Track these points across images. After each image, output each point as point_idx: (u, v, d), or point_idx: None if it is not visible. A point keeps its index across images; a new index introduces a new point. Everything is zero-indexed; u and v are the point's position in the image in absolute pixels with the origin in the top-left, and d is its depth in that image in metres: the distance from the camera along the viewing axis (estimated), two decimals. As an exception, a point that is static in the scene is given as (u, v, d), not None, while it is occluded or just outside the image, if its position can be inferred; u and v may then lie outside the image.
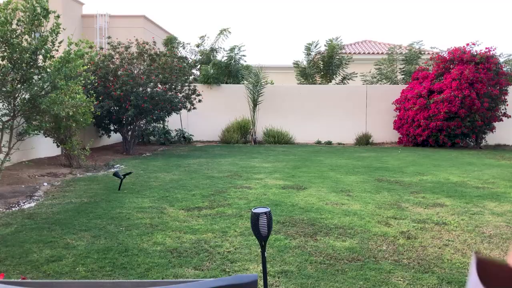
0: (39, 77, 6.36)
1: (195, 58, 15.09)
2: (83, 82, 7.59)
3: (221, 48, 15.29)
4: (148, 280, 0.89)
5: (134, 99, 9.71)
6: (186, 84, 11.43)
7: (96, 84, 9.33)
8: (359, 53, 20.18)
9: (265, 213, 2.08)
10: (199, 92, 12.08)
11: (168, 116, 11.32)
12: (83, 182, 6.47)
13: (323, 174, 7.23)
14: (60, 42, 6.55)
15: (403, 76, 15.16)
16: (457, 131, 11.69)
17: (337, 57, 14.79)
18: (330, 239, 3.74)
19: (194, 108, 11.85)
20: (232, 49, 14.75)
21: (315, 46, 14.88)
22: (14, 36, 6.03)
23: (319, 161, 8.87)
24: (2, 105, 6.44)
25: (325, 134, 13.45)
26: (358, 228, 4.07)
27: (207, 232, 3.93)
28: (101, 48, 10.93)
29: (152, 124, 11.63)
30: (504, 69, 12.83)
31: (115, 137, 12.15)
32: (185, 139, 13.21)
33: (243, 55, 14.92)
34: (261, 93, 13.25)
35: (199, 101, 12.04)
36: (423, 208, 4.90)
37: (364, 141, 13.03)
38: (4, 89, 6.07)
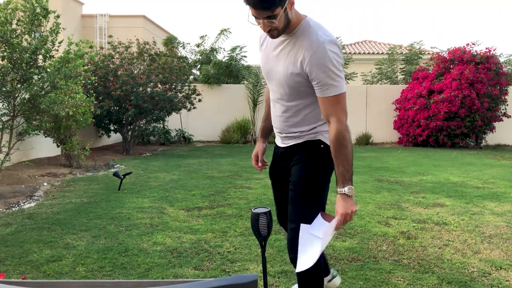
0: (39, 77, 6.36)
1: (195, 58, 15.09)
2: (83, 82, 7.59)
3: (221, 48, 15.30)
4: (148, 280, 0.89)
5: (134, 99, 9.71)
6: (186, 84, 11.44)
7: (96, 84, 9.33)
8: (359, 53, 20.20)
9: (265, 213, 2.08)
10: (199, 92, 12.09)
11: (168, 116, 11.32)
12: (83, 182, 6.47)
13: (323, 174, 7.22)
14: (60, 42, 6.55)
15: (403, 76, 15.16)
16: (457, 131, 11.69)
17: (337, 57, 14.79)
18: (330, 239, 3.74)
19: (194, 108, 11.85)
20: (233, 49, 14.75)
21: (315, 46, 14.89)
22: (14, 36, 6.03)
23: (319, 161, 8.86)
24: (2, 105, 6.44)
25: (325, 134, 13.43)
26: (358, 228, 4.07)
27: (207, 232, 3.92)
28: (101, 48, 10.94)
29: (152, 124, 11.63)
30: (504, 69, 12.84)
31: (115, 137, 12.15)
32: (185, 139, 13.21)
33: (244, 56, 14.92)
34: (261, 93, 13.25)
35: (199, 101, 12.05)
36: (423, 208, 4.90)
37: (364, 141, 13.03)
38: (4, 89, 6.07)
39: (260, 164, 2.38)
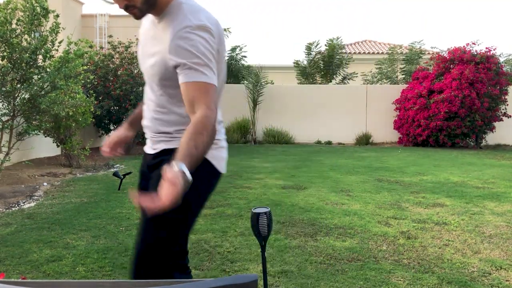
0: (39, 77, 6.36)
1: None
2: (83, 82, 7.59)
3: (221, 48, 15.28)
4: (148, 280, 0.89)
5: (134, 99, 9.71)
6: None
7: (96, 83, 9.33)
8: (359, 53, 20.20)
9: (265, 213, 2.08)
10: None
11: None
12: (83, 182, 6.47)
13: (323, 174, 7.23)
14: (60, 42, 6.55)
15: (403, 76, 15.16)
16: (457, 131, 11.69)
17: (338, 57, 14.79)
18: (330, 239, 3.74)
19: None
20: (233, 49, 14.75)
21: (316, 46, 14.89)
22: (14, 35, 6.03)
23: (319, 161, 8.87)
24: (2, 105, 6.44)
25: (325, 134, 13.45)
26: (358, 228, 4.07)
27: (207, 232, 3.92)
28: (101, 48, 10.93)
29: (152, 124, 11.62)
30: (504, 69, 12.84)
31: (115, 137, 12.13)
32: (185, 139, 13.19)
33: (244, 56, 14.92)
34: (261, 93, 13.25)
35: (199, 101, 12.03)
36: (423, 208, 4.90)
37: (364, 141, 13.03)
38: (4, 89, 6.07)
39: (107, 147, 1.85)
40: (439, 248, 3.56)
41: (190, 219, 1.65)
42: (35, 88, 6.28)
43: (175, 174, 1.25)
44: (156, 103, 1.65)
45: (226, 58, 14.77)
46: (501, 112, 12.20)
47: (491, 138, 12.81)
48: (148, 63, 1.60)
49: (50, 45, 6.35)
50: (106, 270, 3.02)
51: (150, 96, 1.68)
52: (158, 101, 1.64)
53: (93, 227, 4.04)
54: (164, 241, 1.60)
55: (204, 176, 1.61)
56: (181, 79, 1.47)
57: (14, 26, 6.12)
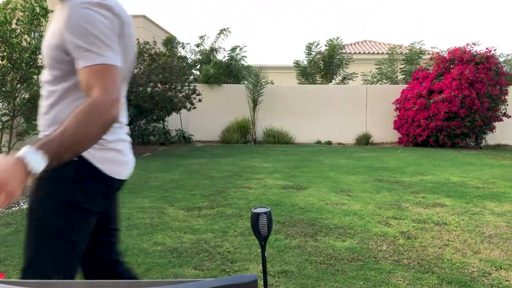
0: (39, 76, 6.37)
1: (195, 58, 15.09)
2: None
3: (221, 48, 15.29)
4: (148, 280, 0.89)
5: (134, 99, 9.71)
6: (186, 84, 11.44)
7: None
8: (359, 53, 20.21)
9: (265, 213, 2.08)
10: (199, 91, 12.09)
11: (168, 116, 11.32)
12: (83, 182, 6.46)
13: (323, 174, 7.23)
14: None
15: (403, 76, 15.15)
16: (457, 131, 11.69)
17: (338, 57, 14.79)
18: (330, 239, 3.74)
19: (194, 108, 11.85)
20: (233, 49, 14.75)
21: (316, 46, 14.89)
22: (14, 35, 6.04)
23: (319, 161, 8.87)
24: (2, 105, 6.44)
25: (325, 134, 13.45)
26: (358, 228, 4.07)
27: (207, 232, 3.92)
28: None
29: (152, 124, 11.63)
30: (504, 69, 12.84)
31: (115, 137, 12.13)
32: (185, 139, 13.21)
33: (244, 56, 14.91)
34: (261, 93, 13.25)
35: (199, 100, 12.05)
36: (423, 208, 4.90)
37: (364, 141, 13.03)
38: (4, 89, 6.07)
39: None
40: (439, 248, 3.56)
41: (67, 233, 1.41)
42: (35, 88, 6.29)
43: (5, 163, 1.02)
44: (46, 94, 1.46)
45: (226, 58, 14.79)
46: (501, 112, 12.20)
47: (491, 138, 12.81)
48: (46, 45, 1.43)
49: (50, 45, 6.36)
50: (106, 270, 3.02)
51: (43, 87, 1.49)
52: (49, 92, 1.45)
53: (93, 227, 4.03)
54: (35, 257, 1.41)
55: (86, 182, 1.42)
56: (78, 64, 1.31)
57: (14, 26, 6.13)
